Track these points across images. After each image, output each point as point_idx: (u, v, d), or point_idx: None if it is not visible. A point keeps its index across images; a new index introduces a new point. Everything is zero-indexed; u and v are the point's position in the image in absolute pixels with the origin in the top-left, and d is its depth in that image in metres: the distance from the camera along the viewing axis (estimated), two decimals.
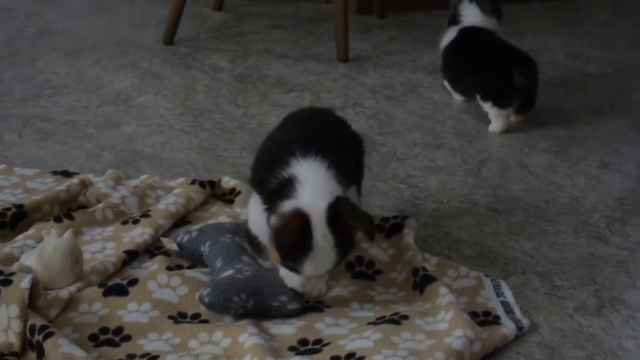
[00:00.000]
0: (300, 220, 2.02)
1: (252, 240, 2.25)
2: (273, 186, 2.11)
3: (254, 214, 2.20)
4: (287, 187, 2.08)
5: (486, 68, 3.22)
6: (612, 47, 4.05)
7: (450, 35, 3.39)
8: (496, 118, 3.20)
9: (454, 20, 3.41)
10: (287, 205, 2.06)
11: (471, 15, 3.38)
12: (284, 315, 2.14)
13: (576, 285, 2.32)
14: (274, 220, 2.05)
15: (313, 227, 2.02)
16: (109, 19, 4.31)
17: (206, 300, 2.10)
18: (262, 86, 3.57)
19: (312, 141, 2.17)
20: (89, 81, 3.59)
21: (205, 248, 2.30)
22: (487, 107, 3.21)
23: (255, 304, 2.12)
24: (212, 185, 2.67)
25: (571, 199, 2.75)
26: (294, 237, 2.02)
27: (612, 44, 4.10)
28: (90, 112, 3.30)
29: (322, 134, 2.26)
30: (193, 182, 2.67)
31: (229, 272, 2.17)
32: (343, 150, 2.26)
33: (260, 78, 3.65)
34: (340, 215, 2.03)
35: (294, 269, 2.09)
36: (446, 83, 3.44)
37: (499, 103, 3.19)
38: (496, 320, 2.16)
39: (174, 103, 3.40)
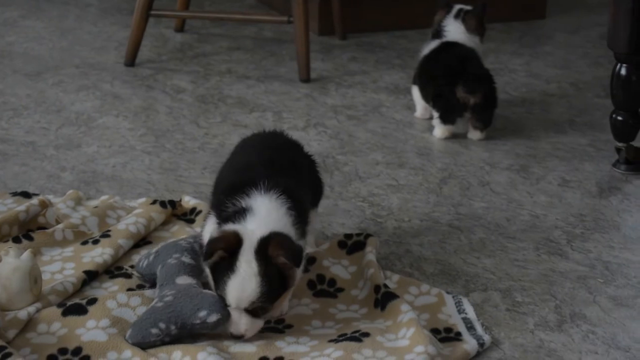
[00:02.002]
0: (233, 239, 2.03)
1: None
2: (228, 213, 2.12)
3: (208, 233, 2.19)
4: (239, 215, 2.09)
5: (438, 81, 3.28)
6: (573, 67, 4.09)
7: (431, 45, 3.41)
8: (438, 127, 3.31)
9: (437, 34, 3.43)
10: (229, 227, 2.08)
11: (454, 32, 3.41)
12: (210, 329, 2.11)
13: (537, 301, 2.32)
14: (213, 233, 2.09)
15: (241, 251, 2.03)
16: (70, 41, 4.30)
17: (129, 341, 2.09)
18: (223, 106, 3.57)
19: (267, 170, 2.19)
20: (49, 103, 3.57)
21: (158, 271, 2.29)
22: (434, 116, 3.31)
23: (178, 328, 2.09)
24: (173, 205, 2.67)
25: (532, 216, 2.77)
26: (222, 248, 2.03)
27: (572, 63, 4.13)
28: (50, 134, 3.29)
29: (277, 160, 2.27)
30: (154, 202, 2.66)
31: (153, 302, 2.16)
32: (297, 175, 2.27)
33: (221, 99, 3.65)
34: (267, 246, 2.03)
35: (223, 299, 2.08)
36: (415, 90, 3.46)
37: (443, 117, 3.28)
38: (458, 337, 2.16)
39: (135, 124, 3.39)
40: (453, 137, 3.30)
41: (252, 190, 2.12)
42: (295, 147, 2.44)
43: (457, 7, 3.44)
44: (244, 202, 2.10)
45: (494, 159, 3.14)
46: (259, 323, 2.10)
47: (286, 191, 2.13)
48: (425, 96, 3.39)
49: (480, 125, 3.27)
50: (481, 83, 3.24)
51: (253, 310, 2.07)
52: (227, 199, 2.13)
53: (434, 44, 3.41)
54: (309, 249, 2.35)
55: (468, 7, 3.43)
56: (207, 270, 2.12)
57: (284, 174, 2.20)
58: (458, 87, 3.22)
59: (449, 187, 2.94)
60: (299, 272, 2.14)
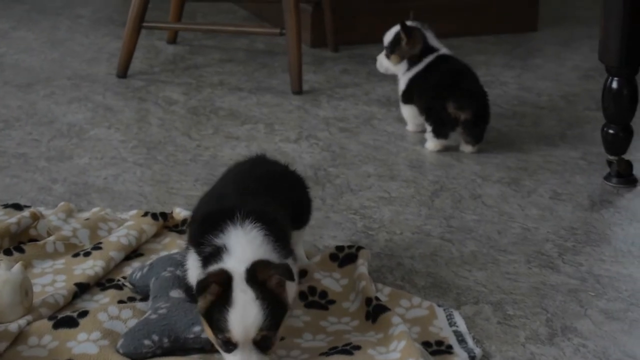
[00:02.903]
0: (224, 275, 1.97)
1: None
2: (207, 250, 2.07)
3: (193, 271, 2.15)
4: (217, 253, 2.04)
5: (430, 96, 3.31)
6: (564, 80, 4.10)
7: (427, 60, 3.42)
8: (430, 140, 3.34)
9: (424, 54, 3.44)
10: (214, 267, 2.02)
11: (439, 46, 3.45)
12: (203, 344, 2.10)
13: (528, 315, 2.33)
14: (199, 277, 2.03)
15: (234, 285, 1.96)
16: (61, 53, 4.31)
17: (120, 351, 2.08)
18: (215, 118, 3.57)
19: (239, 198, 2.16)
20: (41, 114, 3.58)
21: (151, 284, 2.29)
22: (427, 129, 3.34)
23: (171, 341, 2.09)
24: (165, 217, 2.67)
25: (523, 229, 2.77)
26: (215, 282, 1.96)
27: (563, 76, 4.15)
28: (42, 145, 3.29)
29: (250, 186, 2.25)
30: (145, 214, 2.66)
31: (147, 314, 2.16)
32: (273, 197, 2.25)
33: (213, 110, 3.66)
34: (256, 273, 1.97)
35: (227, 342, 1.98)
36: (406, 107, 3.47)
37: (436, 132, 3.31)
38: (449, 350, 2.16)
39: (127, 136, 3.39)
40: (445, 149, 3.31)
41: (225, 224, 2.07)
42: (274, 169, 2.42)
43: (416, 24, 3.48)
44: (219, 240, 2.06)
45: (485, 172, 3.15)
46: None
47: (260, 218, 2.08)
48: (419, 108, 3.39)
49: (471, 140, 3.29)
50: (472, 99, 3.26)
51: (261, 342, 1.97)
52: (203, 235, 2.09)
53: (430, 58, 3.41)
54: (298, 263, 2.32)
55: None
56: (202, 319, 2.03)
57: (257, 199, 2.17)
58: (449, 102, 3.23)
59: (441, 199, 2.95)
60: (291, 292, 2.09)
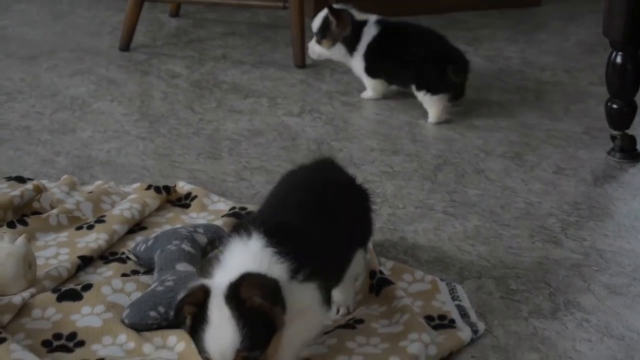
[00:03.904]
0: (199, 291, 1.81)
1: None
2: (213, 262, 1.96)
3: None
4: (212, 265, 1.93)
5: (423, 61, 3.35)
6: (567, 55, 4.08)
7: (370, 33, 3.44)
8: (432, 107, 3.34)
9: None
10: (197, 281, 1.89)
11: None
12: None
13: (531, 289, 2.33)
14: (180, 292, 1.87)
15: (210, 300, 1.80)
16: (64, 26, 4.29)
17: (126, 321, 2.10)
18: (218, 92, 3.57)
19: (268, 216, 1.99)
20: (44, 87, 3.57)
21: (156, 257, 2.29)
22: (422, 97, 3.36)
23: None
24: (168, 190, 2.67)
25: (527, 203, 2.77)
26: (189, 302, 1.81)
27: (567, 51, 4.13)
28: (45, 118, 3.28)
29: (289, 201, 2.07)
30: (148, 188, 2.66)
31: (153, 285, 2.17)
32: (318, 215, 2.03)
33: (216, 84, 3.65)
34: (239, 289, 1.79)
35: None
36: (374, 81, 3.50)
37: (434, 89, 3.34)
38: (451, 324, 2.16)
39: (129, 109, 3.39)
40: (447, 123, 3.30)
41: (231, 236, 1.92)
42: (336, 185, 2.19)
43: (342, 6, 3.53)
44: (220, 252, 1.94)
45: (488, 146, 3.14)
46: None
47: (274, 232, 1.89)
48: (396, 79, 3.47)
49: (457, 99, 3.41)
50: (466, 66, 3.39)
51: None
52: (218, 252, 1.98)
53: (373, 30, 3.45)
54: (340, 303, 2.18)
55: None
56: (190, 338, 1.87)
57: (287, 215, 1.99)
58: (448, 65, 3.33)
59: (444, 174, 2.94)
60: (315, 321, 1.95)
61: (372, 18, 3.48)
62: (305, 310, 1.91)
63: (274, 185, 2.24)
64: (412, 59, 3.35)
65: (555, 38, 4.30)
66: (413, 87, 3.37)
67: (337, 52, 3.50)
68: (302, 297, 1.89)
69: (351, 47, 3.46)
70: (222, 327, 1.78)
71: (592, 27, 4.39)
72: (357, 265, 2.19)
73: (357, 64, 3.49)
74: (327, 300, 1.97)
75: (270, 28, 4.29)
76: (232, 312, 1.78)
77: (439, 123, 3.32)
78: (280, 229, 1.91)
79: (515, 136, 3.23)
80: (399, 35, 3.42)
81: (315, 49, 3.53)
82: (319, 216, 2.03)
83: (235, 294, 1.79)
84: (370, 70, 3.47)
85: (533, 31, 4.39)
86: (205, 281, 1.85)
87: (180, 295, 1.83)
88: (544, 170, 2.99)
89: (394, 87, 3.52)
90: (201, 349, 1.81)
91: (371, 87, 3.52)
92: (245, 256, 1.86)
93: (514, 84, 3.72)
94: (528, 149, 3.13)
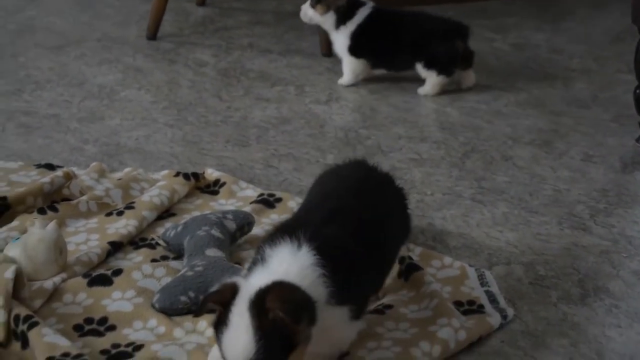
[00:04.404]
0: (228, 291, 1.76)
1: None
2: (251, 263, 1.88)
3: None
4: (252, 267, 1.85)
5: (429, 40, 3.43)
6: (595, 42, 4.07)
7: (364, 14, 3.50)
8: (435, 84, 3.46)
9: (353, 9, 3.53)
10: (233, 279, 1.81)
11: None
12: None
13: (560, 275, 2.32)
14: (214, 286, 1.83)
15: (234, 303, 1.74)
16: (91, 15, 4.31)
17: (157, 306, 2.10)
18: (245, 80, 3.57)
19: (312, 217, 1.95)
20: (72, 76, 3.58)
21: (185, 242, 2.30)
22: (429, 74, 3.46)
23: None
24: (197, 177, 2.67)
25: (555, 190, 2.76)
26: (213, 301, 1.77)
27: (594, 39, 4.12)
28: (73, 106, 3.30)
29: (332, 205, 1.99)
30: (177, 174, 2.67)
31: (183, 270, 2.18)
32: (362, 220, 1.98)
33: (243, 72, 3.65)
34: (265, 297, 1.73)
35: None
36: (355, 60, 3.53)
37: (444, 70, 3.45)
38: (480, 310, 2.16)
39: (157, 97, 3.40)
40: (474, 111, 3.30)
41: (280, 240, 1.84)
42: (373, 185, 2.16)
43: None
44: (263, 253, 1.84)
45: (516, 134, 3.14)
46: None
47: (328, 255, 1.81)
48: (392, 63, 3.55)
49: (471, 64, 3.51)
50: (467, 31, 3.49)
51: None
52: (259, 249, 1.89)
53: (358, 19, 3.50)
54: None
55: None
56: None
57: (336, 223, 1.92)
58: (457, 40, 3.43)
59: (472, 161, 2.94)
60: (343, 336, 1.91)
61: (371, 4, 3.53)
62: (333, 327, 1.85)
63: (314, 183, 2.21)
64: (412, 40, 3.43)
65: (581, 26, 4.29)
66: (419, 66, 3.44)
67: (328, 21, 3.53)
68: (332, 316, 1.83)
69: (341, 20, 3.51)
70: (239, 334, 1.73)
71: (618, 15, 4.38)
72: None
73: (341, 40, 3.53)
74: (359, 316, 1.92)
75: (296, 16, 4.26)
76: (252, 320, 1.72)
77: (432, 96, 3.46)
78: (331, 249, 1.83)
79: (544, 123, 3.23)
80: (394, 20, 3.49)
81: (308, 12, 3.56)
82: (367, 229, 1.97)
83: (261, 301, 1.72)
84: (354, 50, 3.51)
85: (559, 19, 4.38)
86: (239, 280, 1.79)
87: (210, 290, 1.80)
88: (572, 157, 2.98)
89: (377, 72, 3.58)
90: (219, 347, 1.77)
91: (350, 70, 3.54)
92: (292, 267, 1.79)
93: (542, 72, 3.71)
94: (556, 136, 3.12)
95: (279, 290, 1.73)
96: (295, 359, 1.76)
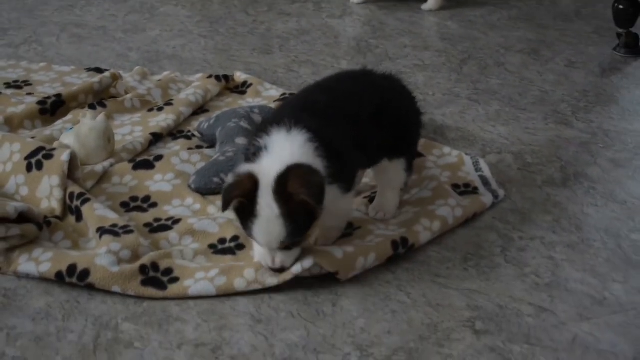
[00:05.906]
0: (248, 182, 1.70)
1: None
2: (249, 153, 1.78)
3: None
4: (257, 154, 1.74)
5: None
6: None
7: None
8: (438, 1, 3.44)
9: None
10: (244, 168, 1.73)
11: None
12: None
13: (545, 163, 2.32)
14: (229, 178, 1.74)
15: (259, 194, 1.69)
16: None
17: (192, 187, 2.11)
18: None
19: (302, 111, 1.81)
20: None
21: (217, 133, 2.30)
22: None
23: None
24: (227, 78, 2.67)
25: (541, 91, 2.74)
26: (238, 196, 1.70)
27: None
28: (118, 20, 3.28)
29: (325, 102, 1.86)
30: (210, 77, 2.66)
31: (216, 156, 2.17)
32: (355, 120, 1.86)
33: None
34: (286, 183, 1.68)
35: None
36: None
37: None
38: (475, 191, 2.16)
39: (192, 12, 3.38)
40: (471, 24, 3.27)
41: (274, 128, 1.75)
42: (388, 95, 1.99)
43: None
44: (262, 141, 1.75)
45: (508, 43, 3.11)
46: (295, 253, 1.79)
47: (316, 131, 1.74)
48: None
49: None
50: None
51: (286, 247, 1.76)
52: (253, 138, 1.79)
53: None
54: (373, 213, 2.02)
55: None
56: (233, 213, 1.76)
57: (325, 117, 1.81)
58: None
59: (469, 66, 2.92)
60: (345, 206, 1.87)
61: None
62: (336, 200, 1.80)
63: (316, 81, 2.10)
64: None
65: None
66: None
67: None
68: (329, 192, 1.75)
69: None
70: (271, 223, 1.70)
71: None
72: (399, 177, 2.02)
73: None
74: (350, 189, 1.85)
75: None
76: (281, 209, 1.68)
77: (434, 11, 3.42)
78: (315, 129, 1.75)
79: (532, 35, 3.19)
80: None
81: None
82: (344, 99, 1.88)
83: (284, 187, 1.68)
84: None
85: None
86: (253, 168, 1.71)
87: (229, 183, 1.71)
88: (557, 63, 2.96)
89: None
90: (248, 232, 1.73)
91: None
92: (293, 148, 1.72)
93: None
94: (543, 46, 3.09)
95: (298, 176, 1.68)
96: (313, 232, 1.78)
